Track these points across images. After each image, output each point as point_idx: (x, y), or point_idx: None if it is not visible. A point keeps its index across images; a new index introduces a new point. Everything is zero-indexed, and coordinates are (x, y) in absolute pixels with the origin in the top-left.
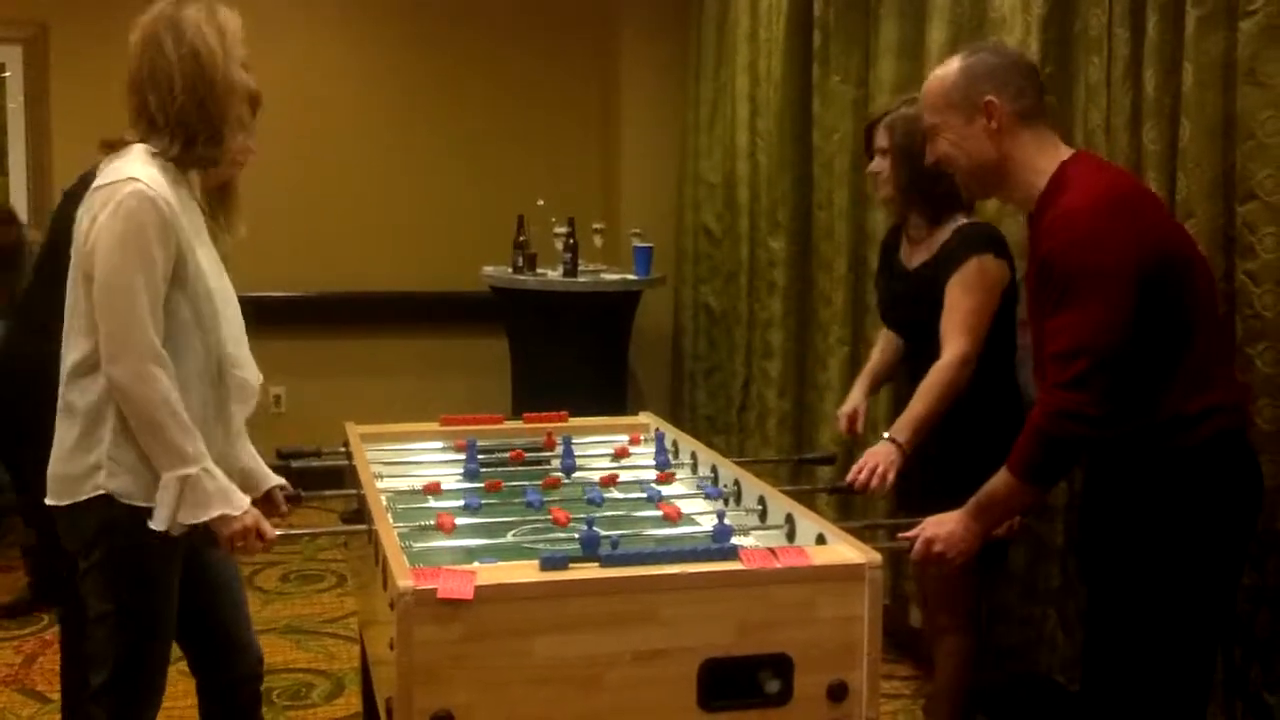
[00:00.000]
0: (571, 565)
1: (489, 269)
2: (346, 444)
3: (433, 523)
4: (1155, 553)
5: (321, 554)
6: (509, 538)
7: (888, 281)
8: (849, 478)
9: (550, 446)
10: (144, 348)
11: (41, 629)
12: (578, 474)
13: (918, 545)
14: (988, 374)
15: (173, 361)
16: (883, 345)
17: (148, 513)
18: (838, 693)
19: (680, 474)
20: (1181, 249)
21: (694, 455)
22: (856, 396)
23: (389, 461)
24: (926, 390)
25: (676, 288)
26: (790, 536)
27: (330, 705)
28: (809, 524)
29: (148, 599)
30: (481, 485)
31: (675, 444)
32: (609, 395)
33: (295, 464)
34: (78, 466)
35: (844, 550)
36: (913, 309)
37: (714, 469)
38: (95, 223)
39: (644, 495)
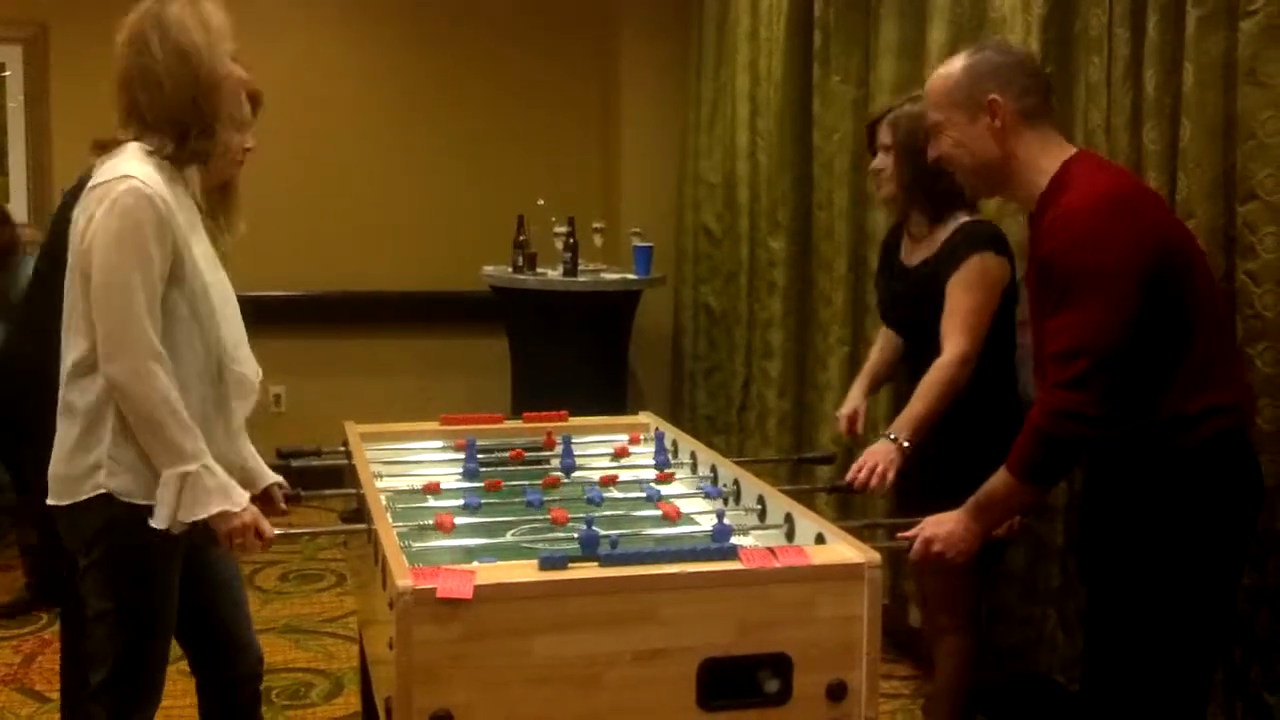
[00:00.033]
0: (571, 565)
1: (489, 268)
2: (346, 443)
3: (432, 522)
4: (1155, 553)
5: (321, 553)
6: (508, 537)
7: (888, 280)
8: (848, 477)
9: (550, 446)
10: (142, 345)
11: (40, 628)
12: (577, 473)
13: (917, 545)
14: (987, 373)
15: (171, 359)
16: (881, 345)
17: (148, 511)
18: (837, 692)
19: (680, 474)
20: (1183, 248)
21: (693, 455)
22: (855, 397)
23: (388, 461)
24: (926, 389)
25: (676, 287)
26: (789, 536)
27: (329, 705)
28: (808, 523)
29: (148, 597)
30: (481, 485)
31: (675, 444)
32: (609, 395)
33: (295, 463)
34: (78, 466)
35: (843, 550)
36: (913, 308)
37: (713, 468)
38: (91, 221)
39: (643, 495)
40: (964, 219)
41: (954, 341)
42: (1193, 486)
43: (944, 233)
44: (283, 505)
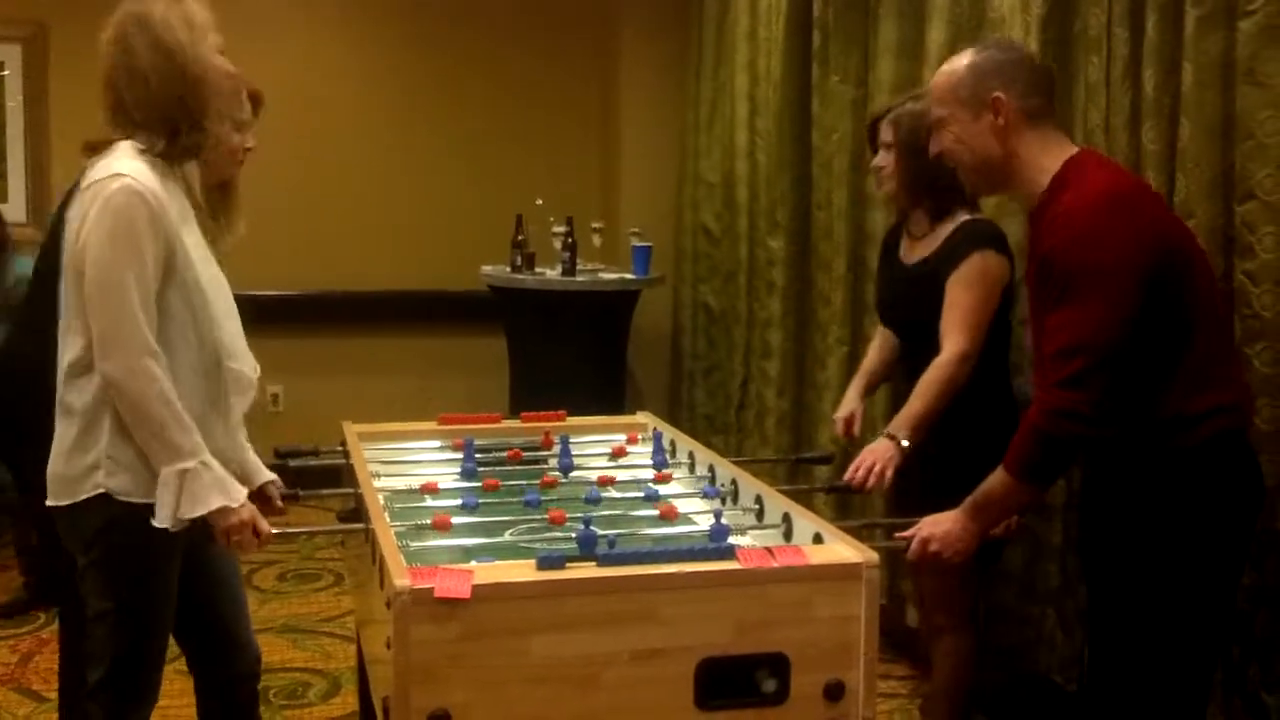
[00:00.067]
0: (569, 564)
1: (487, 268)
2: (344, 443)
3: (430, 522)
4: (1156, 552)
5: (318, 553)
6: (506, 537)
7: (887, 279)
8: (846, 476)
9: (548, 446)
10: (137, 343)
11: (38, 628)
12: (575, 473)
13: (914, 545)
14: (985, 373)
15: (167, 356)
16: (879, 345)
17: (147, 510)
18: (834, 692)
19: (678, 473)
20: (1183, 248)
21: (691, 454)
22: (852, 400)
23: (386, 460)
24: (925, 387)
25: (675, 287)
26: (787, 536)
27: (327, 704)
28: (806, 523)
29: (147, 596)
30: (479, 484)
31: (673, 443)
32: (607, 394)
33: (293, 463)
34: (76, 466)
35: (841, 550)
36: (912, 306)
37: (711, 468)
38: (85, 220)
39: (641, 494)
40: (964, 217)
41: (953, 340)
42: (1193, 486)
43: (944, 231)
44: (279, 503)
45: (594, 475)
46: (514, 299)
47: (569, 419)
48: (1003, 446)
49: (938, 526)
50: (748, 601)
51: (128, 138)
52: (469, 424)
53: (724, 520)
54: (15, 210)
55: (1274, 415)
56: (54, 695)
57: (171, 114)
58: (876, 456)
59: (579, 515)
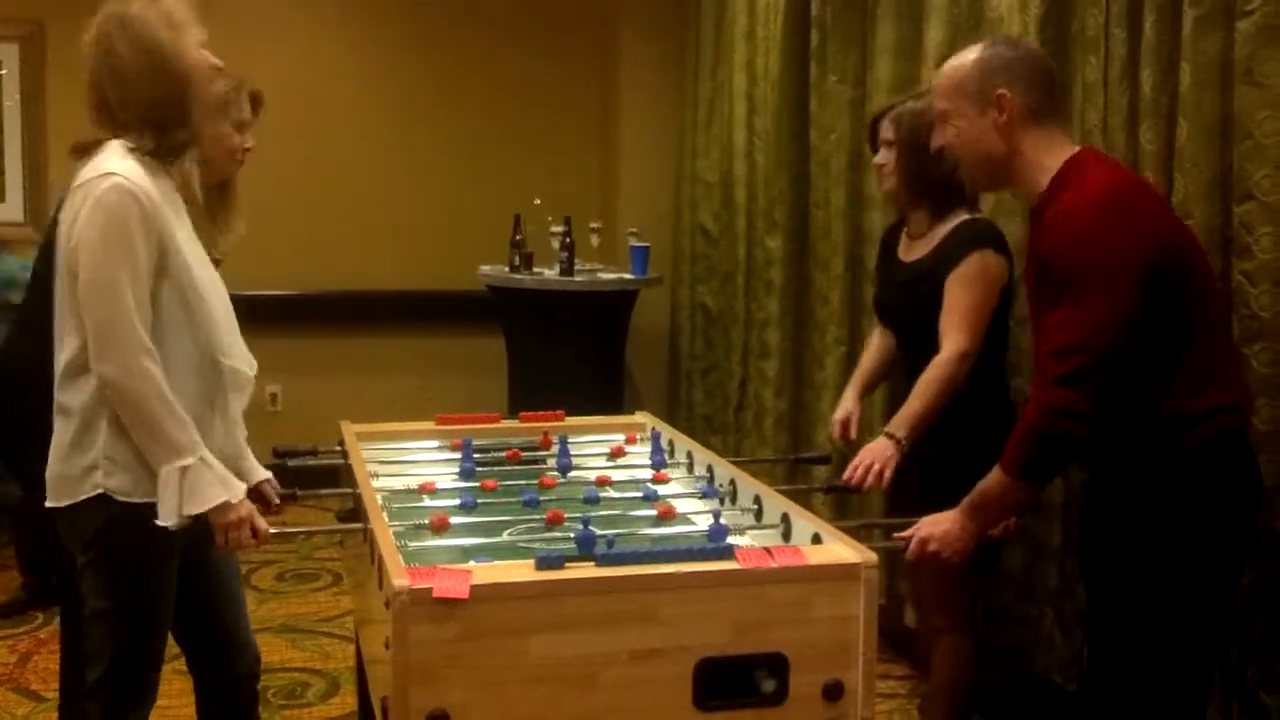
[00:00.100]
0: (567, 564)
1: (486, 268)
2: (342, 443)
3: (428, 522)
4: (1156, 552)
5: (317, 553)
6: (505, 537)
7: (886, 279)
8: (845, 475)
9: (546, 446)
10: (132, 342)
11: (36, 628)
12: (574, 473)
13: (913, 545)
14: (983, 373)
15: (162, 354)
16: (877, 345)
17: (146, 510)
18: (833, 692)
19: (676, 473)
20: (1183, 248)
21: (690, 454)
22: (849, 402)
23: (385, 460)
24: (925, 386)
25: (673, 287)
26: (786, 536)
27: (326, 704)
28: (804, 523)
29: (145, 596)
30: (477, 484)
31: (671, 443)
32: (606, 394)
33: (291, 462)
34: (75, 467)
35: (839, 550)
36: (910, 305)
37: (710, 468)
38: (77, 220)
39: (640, 494)
40: (963, 217)
41: (953, 339)
42: (1193, 486)
43: (943, 230)
44: (276, 500)
45: (592, 475)
46: (512, 299)
47: (567, 419)
48: (1000, 447)
49: (936, 526)
50: (746, 602)
51: (115, 138)
52: (467, 424)
53: (722, 520)
54: (13, 209)
55: (1273, 415)
56: (52, 695)
57: (156, 112)
58: (875, 456)
59: (577, 515)
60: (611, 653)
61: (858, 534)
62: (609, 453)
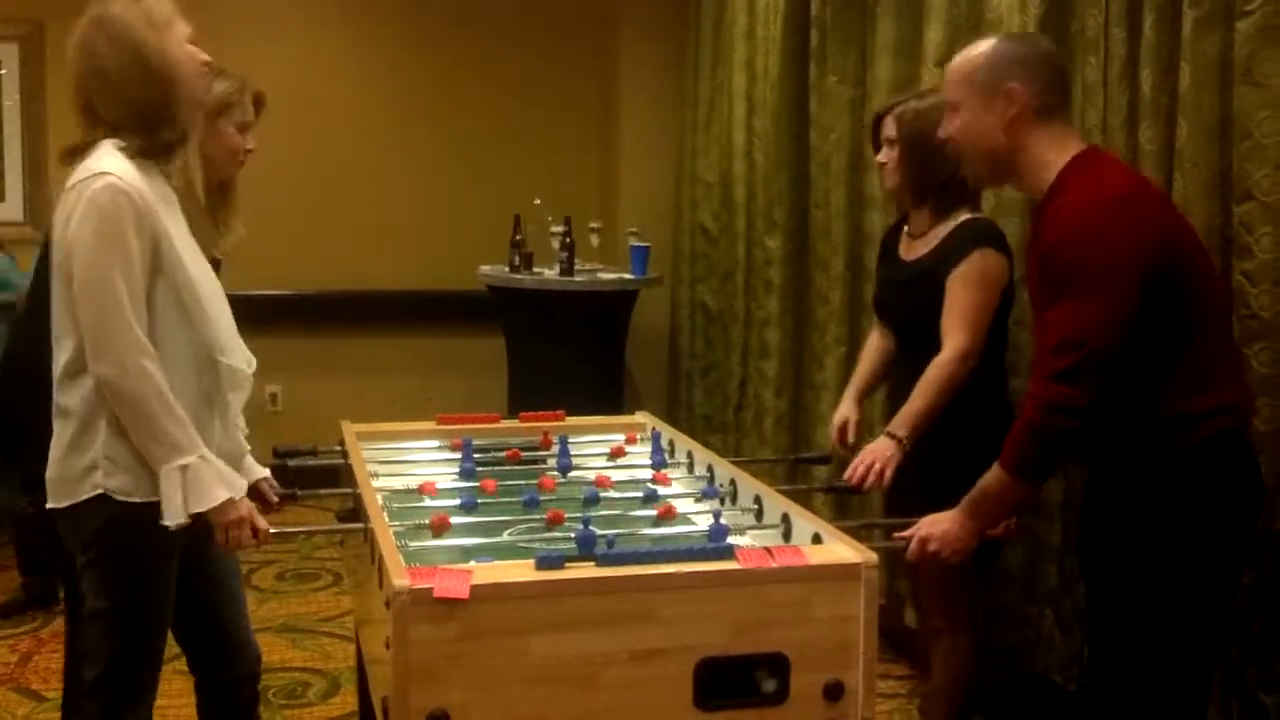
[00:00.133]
0: (567, 564)
1: (486, 268)
2: (342, 443)
3: (428, 522)
4: (1156, 552)
5: (317, 552)
6: (505, 537)
7: (886, 278)
8: (846, 475)
9: (546, 446)
10: (129, 342)
11: (36, 628)
12: (574, 473)
13: (913, 545)
14: (982, 374)
15: (160, 354)
16: (873, 348)
17: (146, 510)
18: (834, 692)
19: (676, 473)
20: (1185, 248)
21: (690, 454)
22: (847, 408)
23: (385, 460)
24: (926, 385)
25: (673, 287)
26: (786, 536)
27: (326, 704)
28: (805, 523)
29: (145, 597)
30: (477, 484)
31: (671, 443)
32: (606, 394)
33: (291, 462)
34: (74, 468)
35: (840, 550)
36: (911, 306)
37: (710, 468)
38: (70, 221)
39: (640, 494)
40: (965, 216)
41: (954, 338)
42: (1193, 486)
43: (944, 230)
44: (274, 499)
45: (592, 475)
46: (512, 299)
47: (567, 419)
48: (999, 447)
49: (936, 526)
50: (747, 601)
51: (106, 139)
52: (467, 424)
53: (723, 520)
54: (13, 209)
55: (1273, 415)
56: (53, 695)
57: (142, 113)
58: (876, 455)
59: (578, 515)
60: (612, 653)
61: (858, 534)
62: (609, 453)
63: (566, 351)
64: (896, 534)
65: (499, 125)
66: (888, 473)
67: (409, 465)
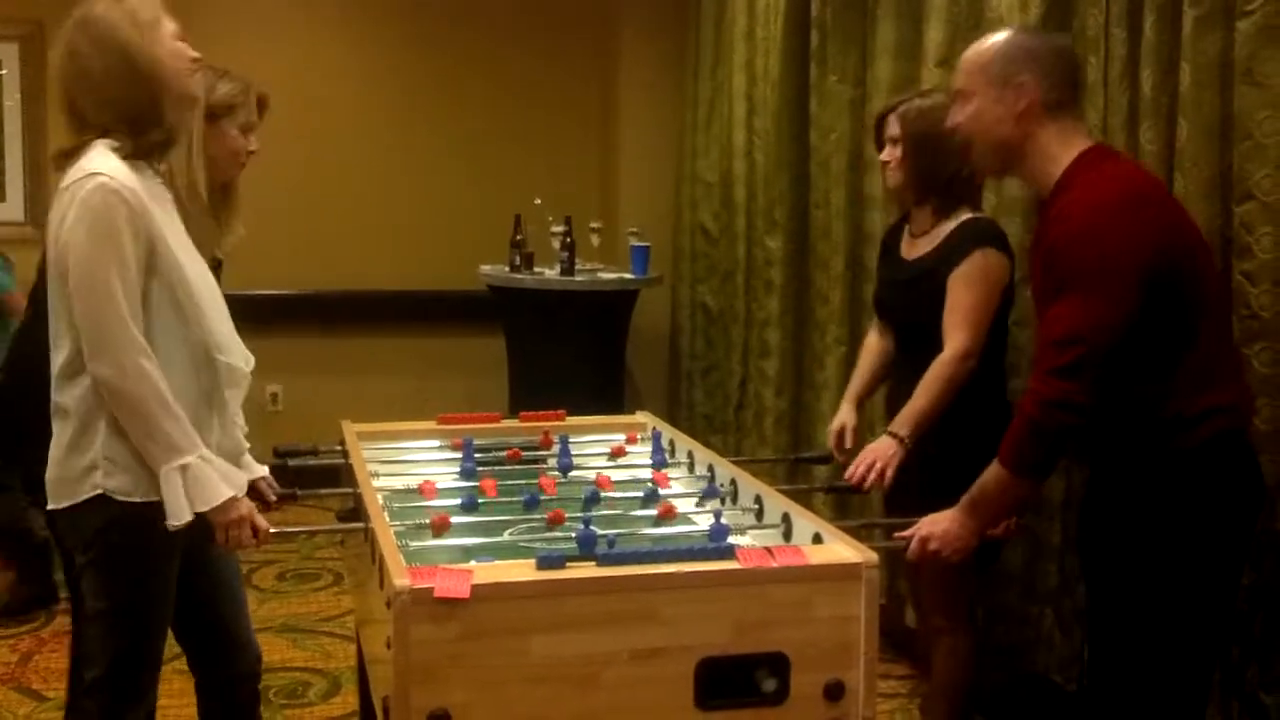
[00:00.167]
0: (568, 564)
1: (486, 268)
2: (343, 442)
3: (429, 521)
4: (1156, 552)
5: (318, 552)
6: (505, 536)
7: (887, 278)
8: (847, 474)
9: (547, 445)
10: (126, 341)
11: (37, 628)
12: (574, 473)
13: (914, 544)
14: (982, 374)
15: (157, 353)
16: (871, 350)
17: (146, 510)
18: (834, 692)
19: (677, 473)
20: (1187, 248)
21: (691, 454)
22: (845, 414)
23: (385, 460)
24: (928, 385)
25: (674, 287)
26: (787, 536)
27: (327, 704)
28: (805, 523)
29: (144, 597)
30: (478, 484)
31: (672, 443)
32: (606, 394)
33: (292, 462)
34: (74, 468)
35: (840, 549)
36: (912, 305)
37: (711, 468)
38: (64, 222)
39: (641, 494)
40: (967, 215)
41: (956, 338)
42: (1193, 487)
43: (945, 229)
44: (273, 498)
45: (593, 475)
46: (513, 299)
47: (568, 419)
48: (998, 446)
49: (936, 525)
50: (747, 601)
51: (96, 140)
52: (468, 424)
53: (723, 520)
54: (13, 209)
55: (1273, 415)
56: (54, 694)
57: (128, 113)
58: (878, 455)
59: (578, 515)
60: (612, 652)
61: (859, 534)
62: (610, 452)
63: (567, 351)
64: (897, 534)
65: (499, 125)
66: (889, 472)
67: (409, 465)
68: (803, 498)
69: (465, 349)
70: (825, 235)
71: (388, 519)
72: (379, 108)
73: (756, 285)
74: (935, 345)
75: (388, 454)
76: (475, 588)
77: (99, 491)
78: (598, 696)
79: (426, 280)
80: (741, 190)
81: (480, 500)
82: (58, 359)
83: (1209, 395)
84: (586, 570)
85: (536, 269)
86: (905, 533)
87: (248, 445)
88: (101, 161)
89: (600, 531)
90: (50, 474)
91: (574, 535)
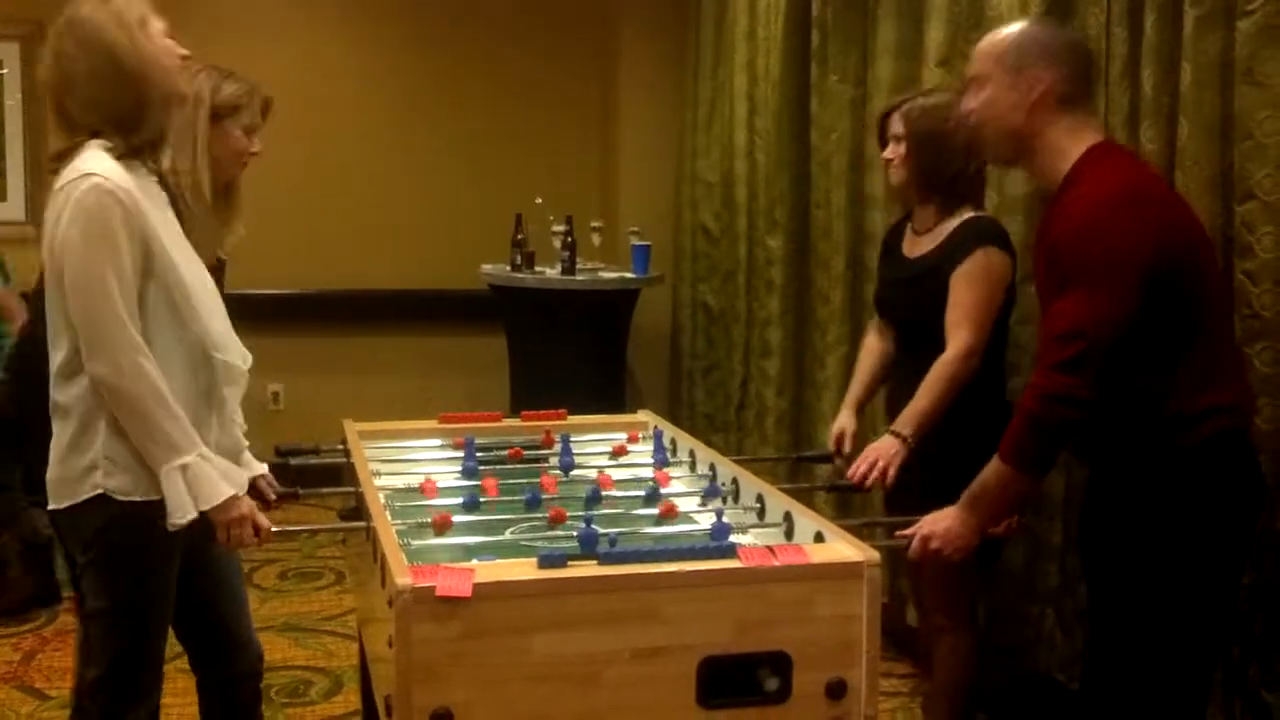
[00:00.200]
0: (570, 563)
1: (487, 267)
2: (344, 441)
3: (430, 520)
4: (1156, 552)
5: (320, 551)
6: (507, 535)
7: (889, 276)
8: (849, 473)
9: (549, 444)
10: (123, 341)
11: (39, 626)
12: (576, 472)
13: (915, 543)
14: (983, 373)
15: (155, 352)
16: (871, 351)
17: (147, 509)
18: (836, 690)
19: (678, 472)
20: (1189, 247)
21: (692, 453)
22: (844, 417)
23: (387, 459)
24: (931, 384)
25: (675, 286)
26: (788, 534)
27: (329, 703)
28: (807, 522)
29: (145, 596)
30: (479, 483)
31: (674, 442)
32: (607, 393)
33: (294, 461)
34: (74, 468)
35: (842, 548)
36: (914, 303)
37: (712, 467)
38: (59, 223)
39: (642, 493)
40: (969, 214)
41: (958, 336)
42: (1193, 486)
43: (948, 227)
44: (273, 496)
45: (594, 474)
46: (514, 298)
47: (569, 418)
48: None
49: (938, 524)
50: (749, 600)
51: (89, 141)
52: (469, 423)
53: (725, 519)
54: (14, 208)
55: (1274, 415)
56: (56, 693)
57: (115, 115)
58: (880, 454)
59: (580, 514)
60: (614, 651)
61: (860, 532)
62: (611, 451)
63: (568, 350)
64: (898, 532)
65: (499, 125)
66: (891, 471)
67: (411, 464)
68: (804, 497)
69: (466, 348)
70: (826, 235)
71: (389, 518)
72: (379, 108)
73: (757, 285)
74: (937, 344)
75: (389, 453)
76: (477, 586)
77: (99, 491)
78: (599, 695)
79: (428, 279)
80: (742, 190)
81: (482, 499)
82: (56, 358)
83: (1210, 394)
84: (588, 569)
85: (537, 268)
86: (907, 531)
87: (247, 443)
88: (96, 162)
89: (602, 530)
90: (51, 474)
91: (575, 534)
